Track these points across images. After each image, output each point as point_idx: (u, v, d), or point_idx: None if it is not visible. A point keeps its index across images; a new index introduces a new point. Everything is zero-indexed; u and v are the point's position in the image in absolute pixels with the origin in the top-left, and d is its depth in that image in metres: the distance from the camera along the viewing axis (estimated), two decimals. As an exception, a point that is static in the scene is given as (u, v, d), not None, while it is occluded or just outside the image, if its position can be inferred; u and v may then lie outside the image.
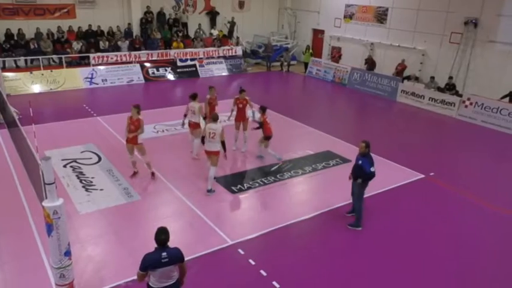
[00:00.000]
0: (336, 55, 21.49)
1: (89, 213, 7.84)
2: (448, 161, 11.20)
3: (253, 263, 6.59)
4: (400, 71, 18.17)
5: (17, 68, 17.18)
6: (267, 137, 9.96)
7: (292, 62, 23.06)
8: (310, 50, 22.27)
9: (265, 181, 9.38)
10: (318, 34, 23.73)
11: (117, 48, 19.24)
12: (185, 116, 10.48)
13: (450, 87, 16.11)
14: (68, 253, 4.87)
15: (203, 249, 6.80)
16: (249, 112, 10.76)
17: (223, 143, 8.46)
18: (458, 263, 6.85)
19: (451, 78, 16.30)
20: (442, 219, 8.20)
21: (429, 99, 16.09)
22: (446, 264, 6.78)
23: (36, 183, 5.48)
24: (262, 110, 10.01)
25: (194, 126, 10.28)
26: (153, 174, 9.26)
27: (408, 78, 17.69)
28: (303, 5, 24.21)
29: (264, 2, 24.77)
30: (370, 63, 19.37)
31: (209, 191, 8.67)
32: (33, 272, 6.14)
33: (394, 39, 19.10)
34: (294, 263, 6.66)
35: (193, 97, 10.25)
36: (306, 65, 21.95)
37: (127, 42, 19.56)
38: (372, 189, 8.99)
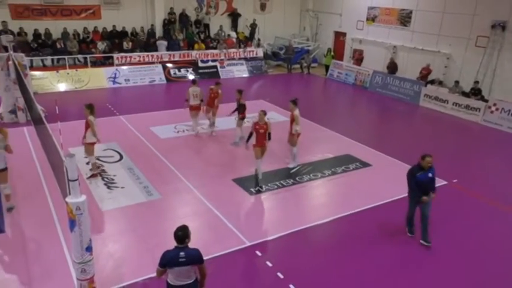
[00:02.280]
0: (358, 58, 21.28)
1: (110, 210, 7.98)
2: (472, 167, 10.94)
3: (270, 265, 6.58)
4: (424, 75, 17.85)
5: (44, 67, 17.66)
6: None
7: (313, 65, 22.97)
8: (332, 53, 22.14)
9: (284, 183, 9.36)
10: (339, 36, 23.56)
11: (154, 48, 19.64)
12: (187, 100, 11.76)
13: (475, 92, 15.74)
14: (89, 249, 4.97)
15: (221, 250, 6.83)
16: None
17: (269, 134, 8.96)
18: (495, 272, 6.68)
19: (476, 82, 15.92)
20: (463, 224, 8.01)
21: (453, 104, 15.76)
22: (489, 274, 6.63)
23: (61, 179, 5.61)
24: (294, 103, 9.84)
25: (195, 108, 11.83)
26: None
27: (432, 82, 17.36)
28: (325, 7, 24.08)
29: (286, 4, 24.76)
30: (392, 67, 19.11)
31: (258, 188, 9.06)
32: (55, 266, 6.29)
33: (418, 42, 18.79)
34: (311, 267, 6.62)
35: (194, 82, 12.07)
36: (327, 67, 21.83)
37: (165, 42, 19.86)
38: (393, 194, 8.89)
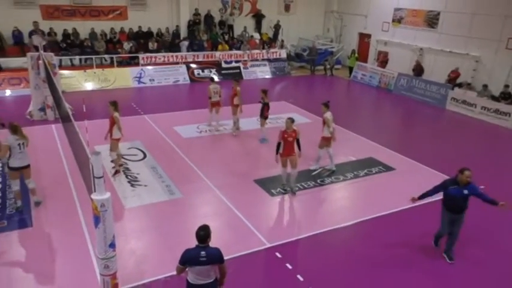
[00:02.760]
0: (383, 60, 20.97)
1: (133, 207, 8.11)
2: (501, 174, 10.60)
3: (290, 267, 6.54)
4: (452, 78, 17.40)
5: (72, 66, 18.12)
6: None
7: (336, 66, 22.79)
8: (356, 54, 21.89)
9: (305, 185, 9.30)
10: (364, 38, 23.27)
11: (177, 48, 19.92)
12: (210, 98, 12.11)
13: (505, 96, 15.25)
14: (112, 245, 5.05)
15: (241, 250, 6.84)
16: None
17: (298, 141, 8.56)
18: None
19: (507, 86, 15.43)
20: (490, 235, 7.77)
21: (482, 108, 15.32)
22: None
23: (86, 176, 5.73)
24: (326, 105, 9.69)
25: (216, 104, 12.25)
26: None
27: (460, 85, 16.93)
28: (350, 9, 23.84)
29: (310, 5, 24.63)
30: (418, 69, 18.73)
31: (292, 192, 8.90)
32: (80, 261, 6.44)
33: (446, 44, 18.35)
34: (331, 271, 6.55)
35: (213, 80, 13.02)
36: (350, 69, 21.60)
37: (186, 42, 20.11)
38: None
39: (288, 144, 8.50)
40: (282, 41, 22.96)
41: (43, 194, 8.33)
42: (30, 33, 16.89)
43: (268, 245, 7.07)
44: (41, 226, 7.36)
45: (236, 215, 7.99)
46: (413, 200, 6.82)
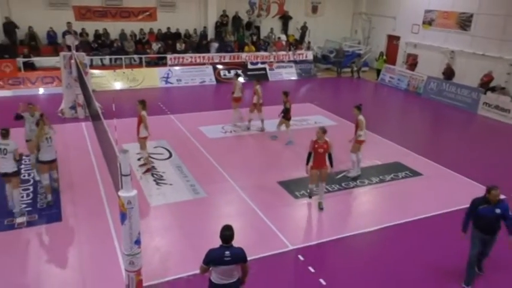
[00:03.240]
0: (412, 63, 20.54)
1: (158, 206, 8.24)
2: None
3: (312, 270, 6.49)
4: (485, 82, 16.83)
5: (103, 66, 18.58)
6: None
7: (363, 69, 22.47)
8: (384, 57, 21.54)
9: (330, 188, 9.21)
10: (393, 40, 22.86)
11: (204, 49, 20.24)
12: (233, 93, 12.56)
13: (541, 102, 14.67)
14: (138, 242, 5.13)
15: (263, 252, 6.83)
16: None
17: (330, 156, 8.05)
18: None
19: (542, 91, 14.85)
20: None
21: (515, 114, 14.79)
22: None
23: (114, 173, 5.85)
24: (358, 109, 9.49)
25: (238, 100, 12.63)
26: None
27: (493, 89, 16.37)
28: (378, 10, 23.48)
29: (338, 6, 24.40)
30: (449, 72, 18.24)
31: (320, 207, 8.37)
32: (106, 256, 6.60)
33: (478, 47, 17.79)
34: (354, 276, 6.46)
35: (238, 75, 13.43)
36: (378, 71, 21.27)
37: (216, 44, 20.36)
38: (446, 206, 8.50)
39: (318, 155, 7.98)
40: (309, 42, 22.85)
41: (72, 190, 8.58)
42: (64, 34, 17.43)
43: (291, 247, 7.04)
44: (70, 221, 7.57)
45: (259, 216, 7.99)
46: (463, 237, 6.28)
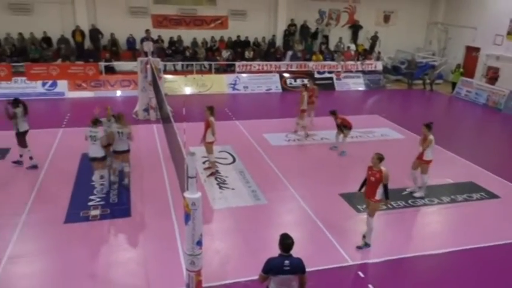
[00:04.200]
0: (492, 76, 19.13)
1: (220, 209, 8.42)
2: None
3: (372, 288, 6.26)
4: None
5: (175, 71, 19.49)
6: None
7: (437, 81, 21.37)
8: (461, 69, 20.31)
9: (395, 205, 8.83)
10: (471, 52, 21.49)
11: (274, 57, 20.47)
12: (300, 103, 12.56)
13: None
14: (199, 243, 5.29)
15: (322, 264, 6.70)
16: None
17: (386, 186, 6.97)
18: None
19: None
20: None
21: None
22: None
23: (180, 174, 6.10)
24: (428, 127, 8.97)
25: (304, 111, 12.63)
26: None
27: None
28: (457, 20, 22.21)
29: (412, 16, 23.46)
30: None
31: (360, 247, 7.33)
32: (169, 254, 6.86)
33: None
34: (419, 299, 6.11)
35: (305, 87, 12.98)
36: (453, 85, 20.11)
37: (290, 52, 20.61)
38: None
39: (369, 184, 7.08)
40: (379, 52, 22.21)
41: (141, 188, 9.06)
42: (142, 40, 18.55)
43: (351, 263, 6.84)
44: (138, 217, 8.00)
45: (319, 227, 7.86)
46: None
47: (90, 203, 8.35)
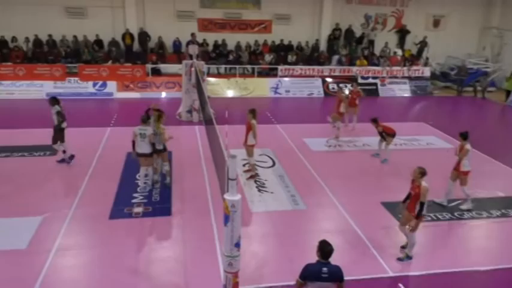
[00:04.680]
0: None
1: (259, 212, 8.45)
2: None
3: (413, 302, 6.03)
4: None
5: (218, 74, 19.82)
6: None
7: (490, 88, 20.35)
8: (516, 77, 19.24)
9: (440, 216, 8.48)
10: (529, 58, 20.32)
11: (317, 62, 20.32)
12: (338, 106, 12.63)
13: None
14: (238, 245, 5.31)
15: (360, 274, 6.55)
16: None
17: (422, 205, 6.64)
18: None
19: None
20: None
21: None
22: None
23: (221, 176, 6.17)
24: (463, 136, 8.65)
25: (341, 115, 12.75)
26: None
27: None
28: (514, 25, 21.09)
29: (464, 21, 22.49)
30: None
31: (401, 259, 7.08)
32: (207, 254, 6.96)
33: None
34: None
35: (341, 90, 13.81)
36: (508, 93, 19.10)
37: (337, 57, 20.49)
38: None
39: (411, 198, 6.84)
40: (427, 58, 21.47)
41: (182, 188, 9.26)
42: (188, 43, 19.02)
43: (391, 274, 6.63)
44: (178, 216, 8.17)
45: (359, 235, 7.69)
46: None
47: (134, 201, 8.64)
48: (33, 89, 17.16)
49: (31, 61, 18.15)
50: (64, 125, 10.07)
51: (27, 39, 18.69)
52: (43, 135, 10.78)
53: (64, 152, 10.28)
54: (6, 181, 9.28)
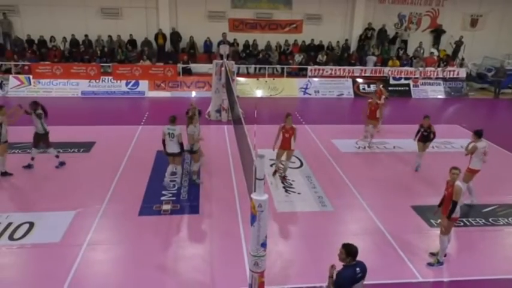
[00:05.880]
0: None
1: (285, 212, 8.42)
2: None
3: (444, 310, 5.86)
4: None
5: (248, 74, 19.88)
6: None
7: (530, 91, 19.50)
8: (559, 79, 18.33)
9: (473, 222, 8.20)
10: None
11: (347, 62, 20.16)
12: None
13: None
14: (264, 244, 5.32)
15: (389, 278, 6.44)
16: None
17: (454, 204, 6.52)
18: None
19: None
20: None
21: None
22: None
23: (248, 176, 6.19)
24: (477, 134, 8.56)
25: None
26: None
27: None
28: (557, 24, 20.09)
29: (504, 20, 21.63)
30: None
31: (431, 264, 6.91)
32: (233, 253, 7.00)
33: None
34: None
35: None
36: (549, 95, 18.19)
37: (374, 58, 20.22)
38: None
39: (445, 198, 6.70)
40: (463, 59, 20.78)
41: (210, 187, 9.36)
42: (219, 43, 19.20)
43: (421, 279, 6.47)
44: (206, 215, 8.26)
45: (387, 239, 7.54)
46: None
47: (163, 198, 8.80)
48: (69, 88, 17.75)
49: (68, 60, 18.80)
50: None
51: (64, 39, 19.38)
52: (78, 132, 11.13)
53: (57, 156, 10.14)
54: (41, 177, 9.65)
